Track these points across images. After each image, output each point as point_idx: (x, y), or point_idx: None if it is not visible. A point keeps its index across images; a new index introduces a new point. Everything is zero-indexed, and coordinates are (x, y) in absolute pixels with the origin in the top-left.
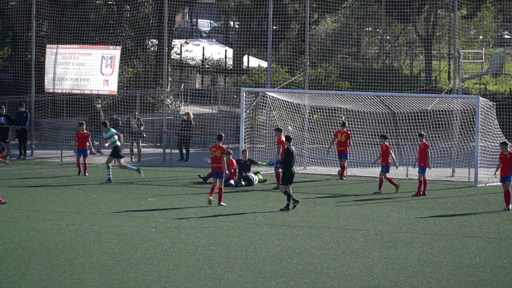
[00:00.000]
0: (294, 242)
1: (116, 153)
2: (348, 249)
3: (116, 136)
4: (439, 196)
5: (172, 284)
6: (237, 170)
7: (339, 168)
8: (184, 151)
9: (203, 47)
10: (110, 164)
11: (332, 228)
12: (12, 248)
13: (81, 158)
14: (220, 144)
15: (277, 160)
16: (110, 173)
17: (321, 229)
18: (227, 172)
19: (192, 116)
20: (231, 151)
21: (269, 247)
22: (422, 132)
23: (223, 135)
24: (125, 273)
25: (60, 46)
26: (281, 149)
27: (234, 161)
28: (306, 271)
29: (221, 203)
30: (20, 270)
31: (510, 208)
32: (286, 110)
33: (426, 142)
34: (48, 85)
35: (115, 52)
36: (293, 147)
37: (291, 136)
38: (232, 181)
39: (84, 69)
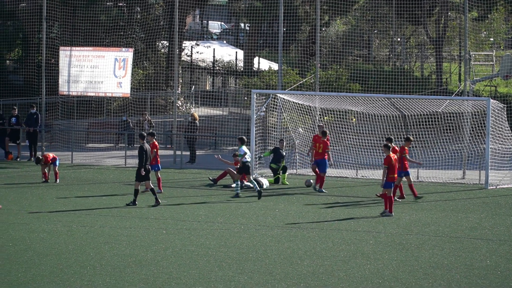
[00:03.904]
0: (305, 244)
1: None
2: (358, 251)
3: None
4: (450, 198)
5: (182, 286)
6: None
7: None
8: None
9: (214, 49)
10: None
11: (343, 230)
12: (23, 250)
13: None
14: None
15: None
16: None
17: (331, 231)
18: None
19: (197, 117)
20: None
21: (279, 249)
22: (391, 137)
23: (391, 140)
24: (136, 275)
25: (73, 48)
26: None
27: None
28: (316, 273)
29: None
30: (31, 271)
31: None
32: (296, 112)
33: (404, 146)
34: (62, 87)
35: (128, 55)
36: (147, 145)
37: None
38: (233, 185)
39: (97, 71)
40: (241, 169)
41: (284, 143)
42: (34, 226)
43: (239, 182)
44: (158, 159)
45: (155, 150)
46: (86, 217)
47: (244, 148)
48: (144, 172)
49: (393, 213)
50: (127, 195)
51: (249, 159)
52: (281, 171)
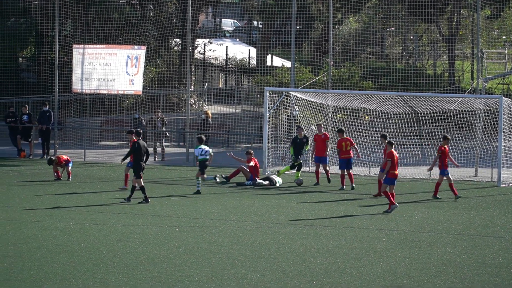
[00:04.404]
0: (318, 241)
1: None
2: (371, 249)
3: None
4: (462, 196)
5: (195, 284)
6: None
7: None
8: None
9: (227, 47)
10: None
11: (355, 228)
12: (36, 247)
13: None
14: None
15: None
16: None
17: (344, 228)
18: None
19: (210, 115)
20: (251, 151)
21: (292, 246)
22: (385, 133)
23: (386, 137)
24: (148, 272)
25: (86, 46)
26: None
27: (255, 160)
28: (329, 270)
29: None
30: (43, 269)
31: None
32: (309, 109)
33: (442, 146)
34: (76, 85)
35: (140, 52)
36: (142, 141)
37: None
38: (246, 183)
39: (110, 69)
40: (200, 167)
41: (303, 131)
42: (46, 223)
43: (209, 178)
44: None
45: None
46: (99, 215)
47: (203, 147)
48: (121, 161)
49: (396, 204)
50: (140, 193)
51: (207, 157)
52: (296, 168)
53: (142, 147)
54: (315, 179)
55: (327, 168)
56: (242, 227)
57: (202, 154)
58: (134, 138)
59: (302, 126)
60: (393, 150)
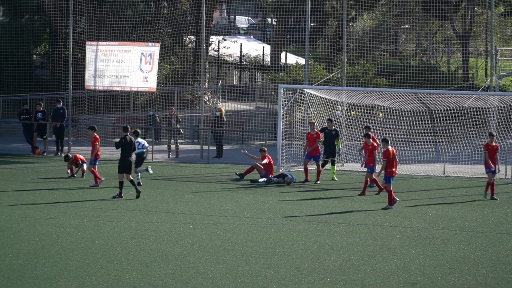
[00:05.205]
0: (332, 239)
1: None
2: (385, 246)
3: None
4: (476, 193)
5: (209, 281)
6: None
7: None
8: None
9: (241, 44)
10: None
11: (369, 225)
12: (50, 245)
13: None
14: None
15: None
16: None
17: (358, 226)
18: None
19: (224, 112)
20: (265, 148)
21: (306, 243)
22: (369, 133)
23: (370, 128)
24: (162, 269)
25: (100, 43)
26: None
27: (269, 157)
28: (343, 267)
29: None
30: (58, 266)
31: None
32: (323, 107)
33: (488, 144)
34: (89, 82)
35: (154, 49)
36: (130, 137)
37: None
38: (260, 180)
39: (123, 66)
40: (137, 160)
41: (332, 123)
42: (60, 221)
43: (141, 171)
44: (99, 153)
45: (97, 143)
46: (113, 212)
47: (140, 140)
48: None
49: (392, 207)
50: (154, 190)
51: (144, 150)
52: (329, 163)
53: (130, 142)
54: (315, 176)
55: (320, 168)
56: (256, 224)
57: (138, 148)
58: (96, 135)
59: (332, 118)
60: (389, 147)
